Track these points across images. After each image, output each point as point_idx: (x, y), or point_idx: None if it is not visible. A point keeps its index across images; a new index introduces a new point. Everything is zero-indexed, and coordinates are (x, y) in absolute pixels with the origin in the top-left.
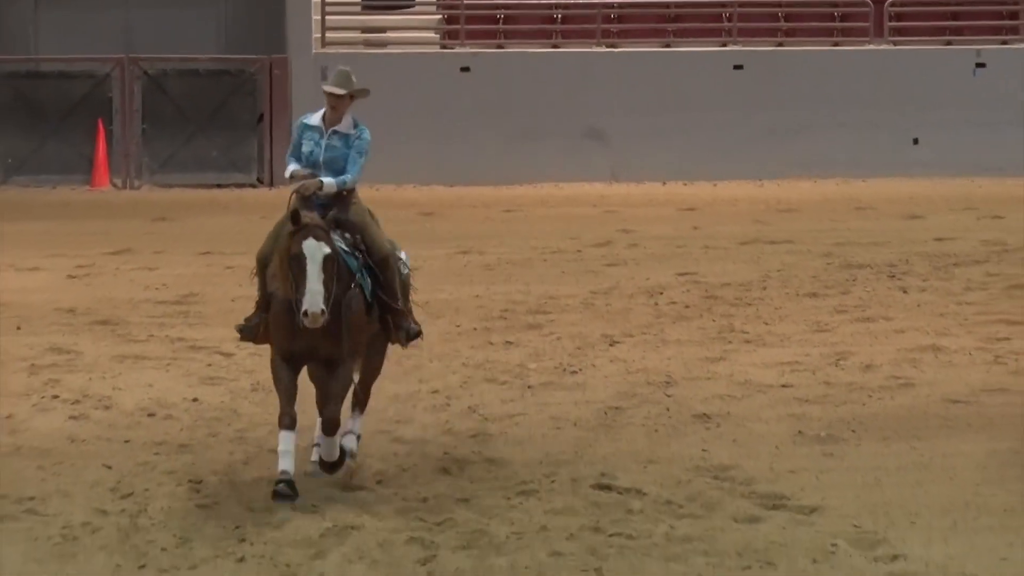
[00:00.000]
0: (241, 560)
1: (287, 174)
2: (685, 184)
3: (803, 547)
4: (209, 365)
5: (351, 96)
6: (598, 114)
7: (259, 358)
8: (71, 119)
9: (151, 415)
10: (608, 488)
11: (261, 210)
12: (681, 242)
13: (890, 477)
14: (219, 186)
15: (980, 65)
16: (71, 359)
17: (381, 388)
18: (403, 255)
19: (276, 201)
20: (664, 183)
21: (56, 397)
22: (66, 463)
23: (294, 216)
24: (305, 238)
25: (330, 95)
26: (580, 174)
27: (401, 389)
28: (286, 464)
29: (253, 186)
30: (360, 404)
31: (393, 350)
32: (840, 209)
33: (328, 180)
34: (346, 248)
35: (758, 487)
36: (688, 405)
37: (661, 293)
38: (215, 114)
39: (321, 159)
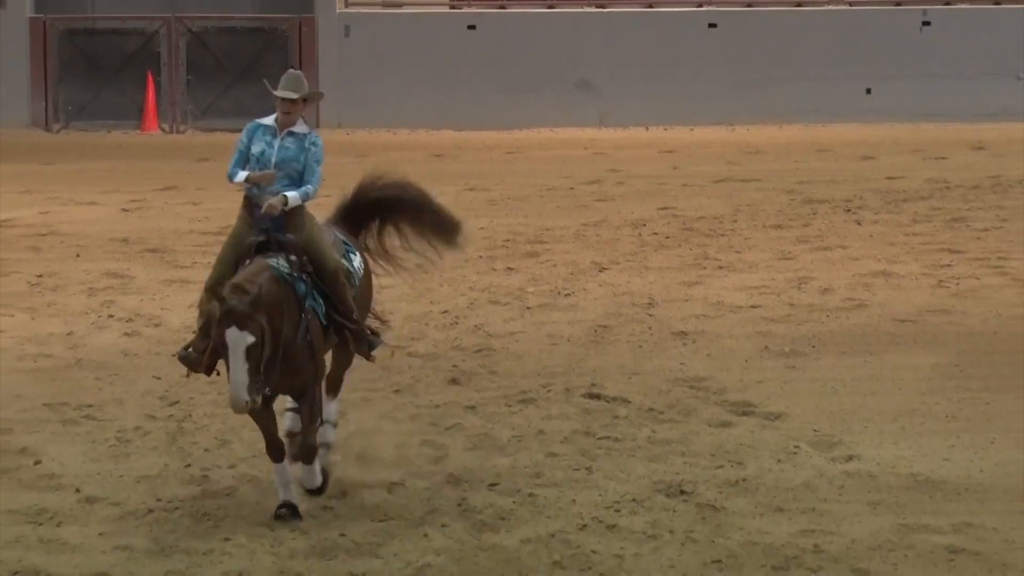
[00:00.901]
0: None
1: (239, 179)
2: (665, 129)
3: (769, 448)
4: None
5: (304, 100)
6: (588, 67)
7: None
8: (124, 71)
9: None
10: (597, 397)
11: None
12: (662, 180)
13: (846, 387)
14: None
15: (926, 23)
16: (124, 283)
17: (397, 309)
18: (356, 262)
19: None
20: (647, 128)
21: (111, 316)
22: (120, 375)
23: (217, 295)
24: (228, 326)
25: (282, 100)
26: (572, 120)
27: (414, 310)
28: (286, 495)
29: None
30: (334, 390)
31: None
32: (802, 151)
33: (291, 194)
34: (293, 273)
35: (729, 396)
36: (668, 324)
37: (644, 225)
38: (250, 66)
39: (274, 160)
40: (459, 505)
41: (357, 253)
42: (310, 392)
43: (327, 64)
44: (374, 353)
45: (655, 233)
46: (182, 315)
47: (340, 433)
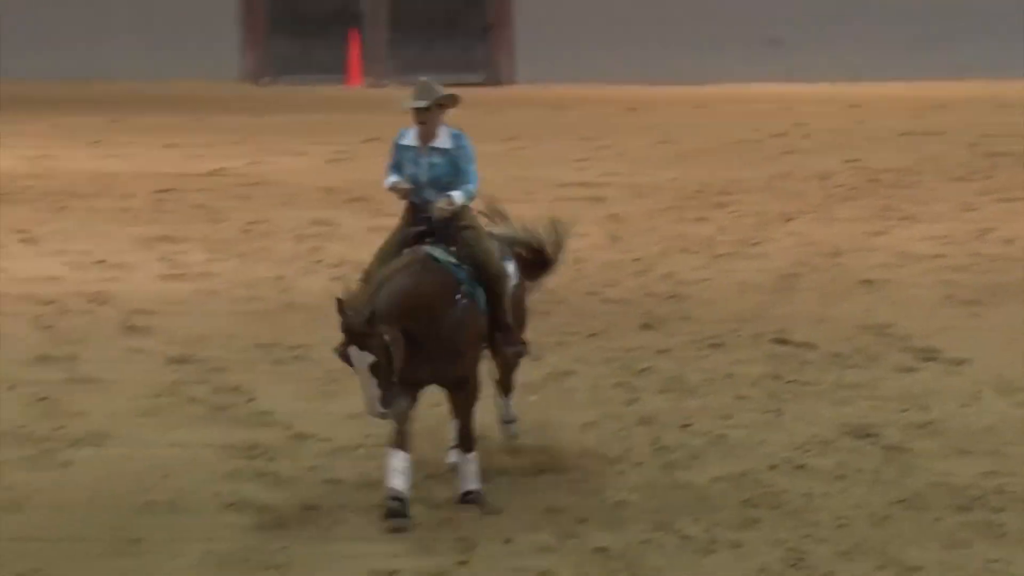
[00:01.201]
0: None
1: (387, 185)
2: (850, 84)
3: (953, 393)
4: None
5: (439, 106)
6: (778, 24)
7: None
8: (329, 27)
9: None
10: (785, 342)
11: (487, 106)
12: (847, 134)
13: None
14: (453, 85)
15: None
16: (331, 230)
17: (592, 257)
18: (510, 269)
19: (500, 98)
20: (833, 83)
21: (319, 262)
22: (328, 317)
23: (339, 310)
24: (349, 344)
25: (416, 111)
26: (761, 75)
27: (608, 257)
28: (398, 482)
29: (481, 85)
30: (505, 390)
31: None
32: (984, 106)
33: (456, 194)
34: (453, 261)
35: (914, 342)
36: (854, 272)
37: (830, 177)
38: (450, 23)
39: (424, 179)
40: (652, 444)
41: (512, 261)
42: (469, 380)
43: (524, 20)
44: (515, 355)
45: (840, 185)
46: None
47: (539, 373)
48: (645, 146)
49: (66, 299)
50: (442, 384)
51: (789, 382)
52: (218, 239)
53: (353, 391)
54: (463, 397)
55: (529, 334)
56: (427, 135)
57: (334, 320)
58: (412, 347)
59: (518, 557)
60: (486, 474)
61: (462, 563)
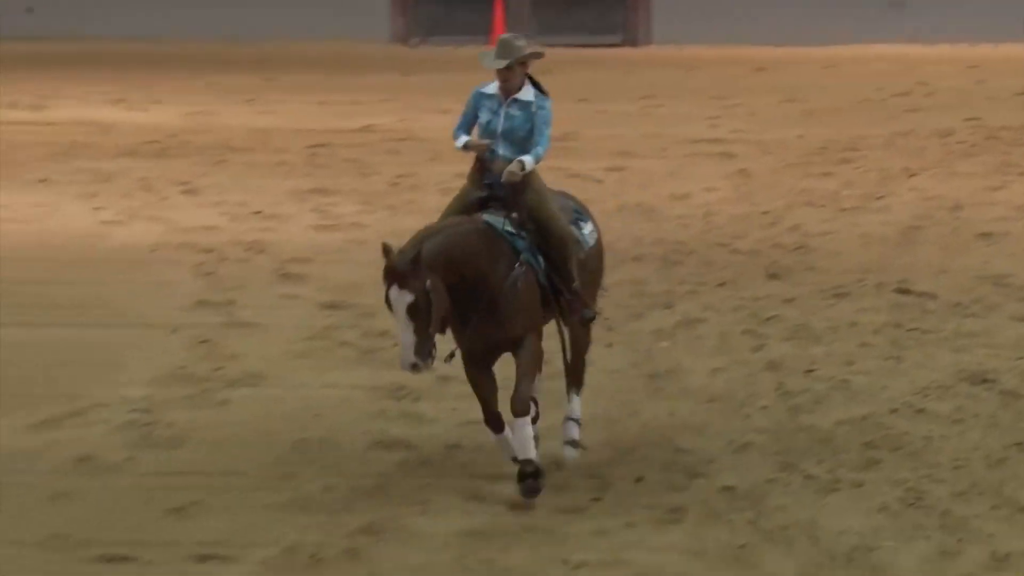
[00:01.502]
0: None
1: (459, 145)
2: (971, 46)
3: None
4: (583, 189)
5: (521, 64)
6: None
7: (623, 184)
8: None
9: None
10: (907, 292)
11: (624, 66)
12: (967, 93)
13: None
14: (592, 46)
15: None
16: None
17: (722, 210)
18: (586, 230)
19: (637, 58)
20: (952, 45)
21: None
22: None
23: (384, 250)
24: (389, 285)
25: (498, 71)
26: (884, 37)
27: (737, 210)
28: (527, 452)
29: (619, 46)
30: (575, 383)
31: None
32: None
33: (527, 158)
34: (511, 229)
35: None
36: (973, 225)
37: (951, 134)
38: None
39: (500, 129)
40: (777, 389)
41: (589, 221)
42: (527, 343)
43: None
44: (583, 321)
45: (961, 142)
46: None
47: (669, 321)
48: (773, 105)
49: (225, 248)
50: (502, 349)
51: (910, 330)
52: (368, 191)
53: None
54: (521, 358)
55: (660, 284)
56: (509, 91)
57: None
58: (463, 313)
59: (649, 495)
60: (622, 417)
61: (596, 500)
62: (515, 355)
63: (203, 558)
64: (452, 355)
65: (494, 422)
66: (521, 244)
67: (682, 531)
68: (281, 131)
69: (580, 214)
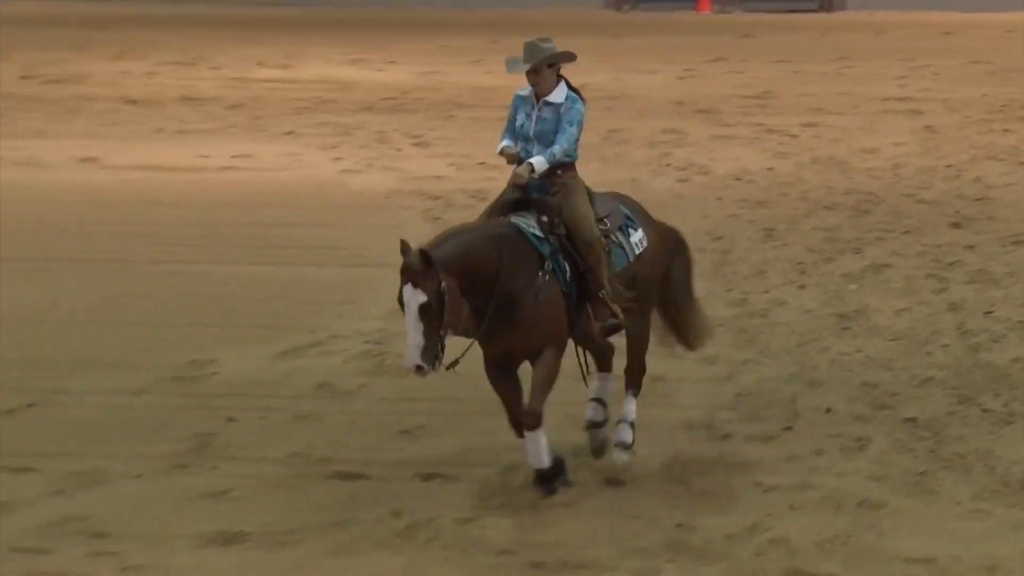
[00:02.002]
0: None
1: (497, 150)
2: None
3: None
4: (780, 143)
5: (550, 66)
6: None
7: (818, 139)
8: None
9: (737, 179)
10: None
11: (820, 30)
12: None
13: None
14: (790, 11)
15: None
16: (679, 138)
17: (908, 163)
18: (635, 238)
19: (831, 23)
20: None
21: (668, 165)
22: (675, 214)
23: (402, 248)
24: (404, 283)
25: (528, 73)
26: None
27: (923, 163)
28: (540, 462)
29: (815, 12)
30: (633, 384)
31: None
32: None
33: (537, 160)
34: (538, 233)
35: None
36: None
37: None
38: None
39: (532, 132)
40: (958, 328)
41: (640, 230)
42: (545, 355)
43: None
44: (609, 336)
45: None
46: (726, 165)
47: (858, 265)
48: (958, 66)
49: (451, 195)
50: (522, 356)
51: None
52: (582, 145)
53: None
54: (536, 370)
55: (850, 231)
56: (541, 93)
57: (678, 218)
58: (482, 316)
59: (837, 425)
60: (812, 353)
61: (787, 429)
62: (533, 365)
63: (428, 476)
64: (455, 363)
65: (517, 425)
66: (547, 249)
67: (867, 458)
68: (504, 89)
69: (631, 220)
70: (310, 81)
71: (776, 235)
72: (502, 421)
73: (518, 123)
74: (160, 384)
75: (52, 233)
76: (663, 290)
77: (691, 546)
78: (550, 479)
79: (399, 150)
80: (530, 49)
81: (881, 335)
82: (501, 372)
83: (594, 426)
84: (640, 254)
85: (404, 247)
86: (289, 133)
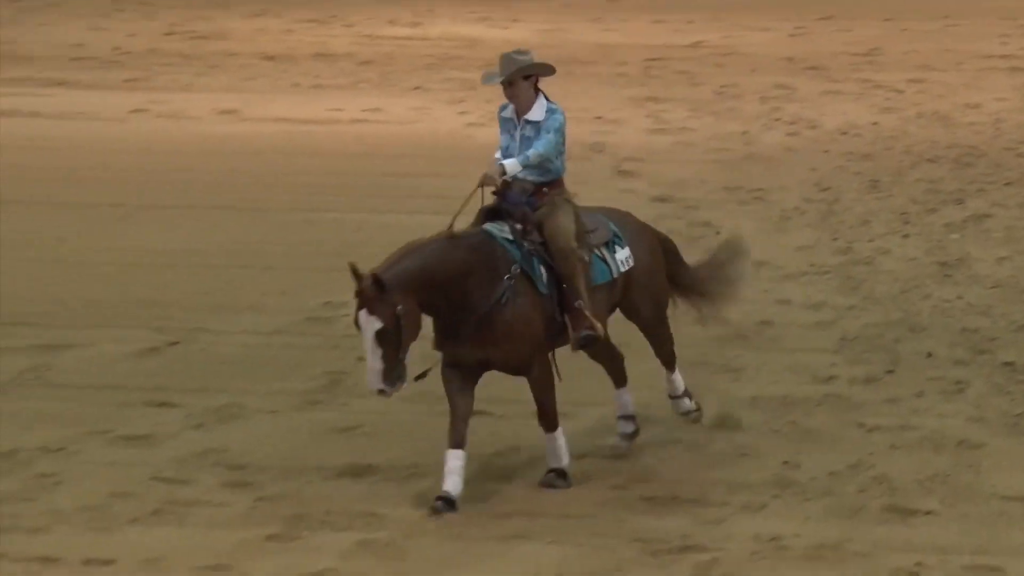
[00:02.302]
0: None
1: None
2: None
3: None
4: (886, 99)
5: (526, 79)
6: None
7: (923, 94)
8: None
9: (844, 133)
10: None
11: None
12: None
13: None
14: None
15: None
16: (789, 93)
17: (1010, 117)
18: (619, 255)
19: None
20: None
21: (778, 120)
22: (783, 166)
23: (353, 273)
24: (360, 308)
25: (503, 85)
26: None
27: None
28: (448, 484)
29: None
30: (668, 364)
31: None
32: None
33: (510, 162)
34: (510, 237)
35: None
36: None
37: None
38: None
39: (517, 152)
40: None
41: (627, 248)
42: (531, 366)
43: None
44: (580, 341)
45: None
46: (834, 119)
47: (960, 216)
48: None
49: (569, 148)
50: (497, 369)
51: None
52: (695, 100)
53: (802, 227)
54: (530, 381)
55: (952, 182)
56: (521, 110)
57: (787, 170)
58: (447, 325)
59: (937, 368)
60: (915, 299)
61: (889, 372)
62: (520, 374)
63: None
64: (424, 375)
65: (456, 437)
66: (518, 253)
67: (965, 400)
68: (621, 46)
69: (619, 238)
70: (438, 38)
71: (881, 187)
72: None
73: (503, 143)
74: (295, 325)
75: (196, 181)
76: (677, 282)
77: (796, 482)
78: (564, 475)
79: None
80: (505, 61)
81: (981, 283)
82: (459, 381)
83: (628, 438)
84: (628, 271)
85: (354, 271)
86: (417, 88)
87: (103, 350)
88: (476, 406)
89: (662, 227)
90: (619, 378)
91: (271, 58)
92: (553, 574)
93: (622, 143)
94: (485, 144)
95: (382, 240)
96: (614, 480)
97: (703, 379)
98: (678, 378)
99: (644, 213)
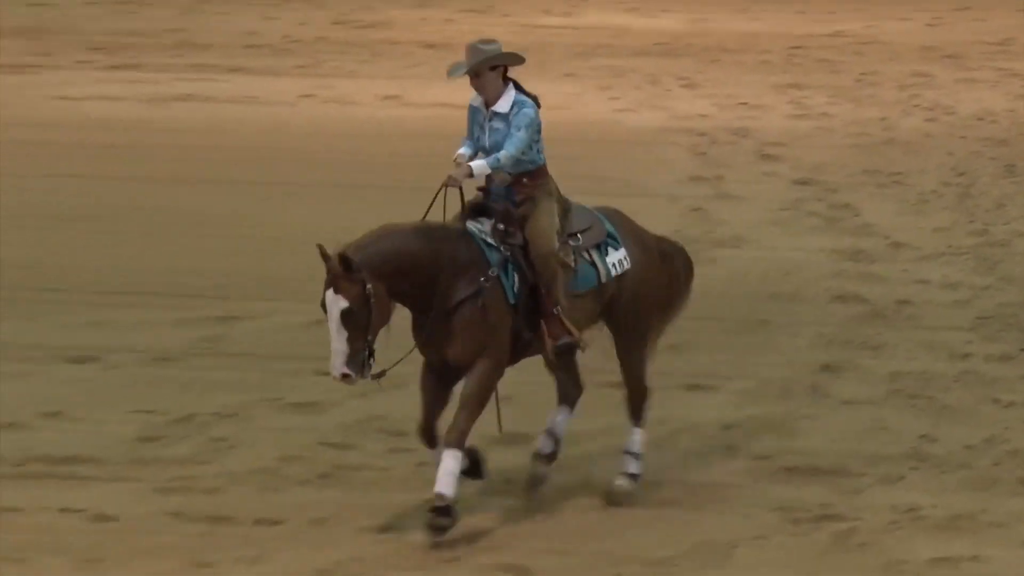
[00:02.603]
0: None
1: (454, 157)
2: None
3: None
4: (1022, 86)
5: (492, 69)
6: None
7: None
8: None
9: (980, 119)
10: None
11: None
12: None
13: None
14: None
15: None
16: (926, 80)
17: None
18: (612, 258)
19: None
20: None
21: (916, 106)
22: (921, 150)
23: (321, 253)
24: (327, 287)
25: (471, 81)
26: None
27: None
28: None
29: None
30: (634, 414)
31: None
32: None
33: (477, 163)
34: (490, 240)
35: None
36: None
37: None
38: None
39: (487, 144)
40: None
41: (622, 249)
42: (477, 370)
43: None
44: (557, 349)
45: None
46: (970, 106)
47: None
48: None
49: (715, 132)
50: (455, 364)
51: None
52: (836, 86)
53: (939, 209)
54: (465, 386)
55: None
56: (489, 101)
57: (925, 155)
58: (419, 321)
59: None
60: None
61: (1023, 350)
62: (466, 374)
63: (691, 387)
64: (383, 374)
65: (426, 435)
66: (496, 257)
67: None
68: (766, 35)
69: (614, 240)
70: (590, 27)
71: (1016, 171)
72: (757, 337)
73: (474, 135)
74: None
75: (359, 163)
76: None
77: (933, 455)
78: (445, 512)
79: (668, 91)
80: (470, 52)
81: None
82: (432, 377)
83: (539, 458)
84: (622, 275)
85: (322, 252)
86: (569, 75)
87: (274, 321)
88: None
89: (802, 210)
90: (568, 400)
91: (432, 46)
92: (699, 540)
93: (765, 128)
94: (634, 128)
95: None
96: (757, 450)
97: (844, 355)
98: (638, 439)
99: (786, 196)
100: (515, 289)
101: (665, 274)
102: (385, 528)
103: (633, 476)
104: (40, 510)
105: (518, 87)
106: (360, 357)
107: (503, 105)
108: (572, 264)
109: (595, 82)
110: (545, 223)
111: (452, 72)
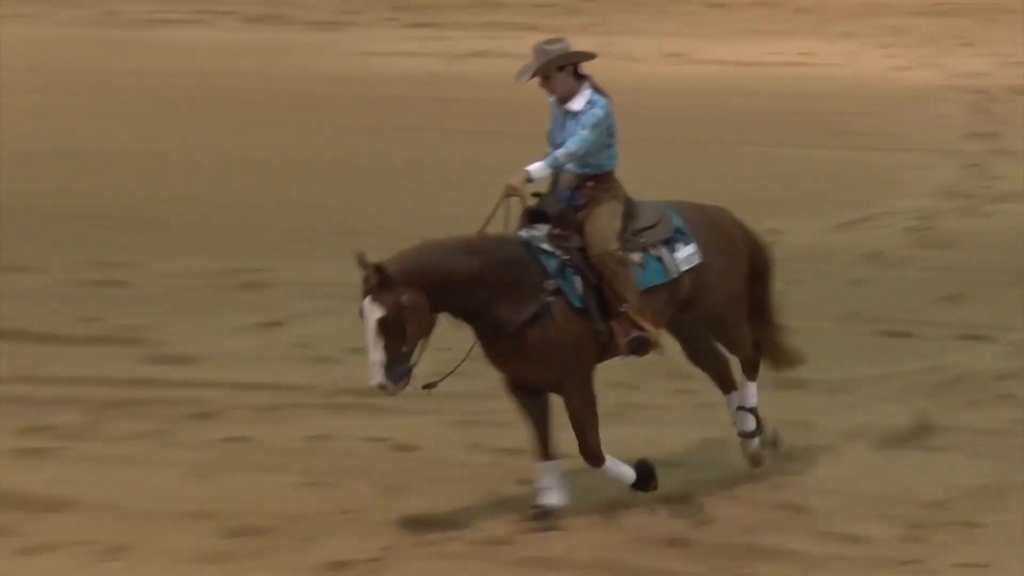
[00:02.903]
0: None
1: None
2: None
3: None
4: None
5: (560, 69)
6: None
7: None
8: None
9: None
10: None
11: None
12: None
13: None
14: None
15: None
16: None
17: None
18: (680, 253)
19: None
20: None
21: None
22: None
23: (360, 261)
24: (364, 295)
25: (541, 83)
26: None
27: None
28: (546, 497)
29: None
30: (746, 369)
31: None
32: None
33: (535, 166)
34: (547, 247)
35: None
36: None
37: None
38: None
39: (561, 142)
40: None
41: (692, 244)
42: (568, 390)
43: None
44: (635, 352)
45: None
46: None
47: None
48: None
49: (994, 90)
50: (537, 385)
51: None
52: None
53: None
54: (567, 410)
55: None
56: (560, 99)
57: None
58: (481, 338)
59: None
60: None
61: None
62: (557, 393)
63: (966, 337)
64: (432, 385)
65: (541, 450)
66: (552, 264)
67: None
68: None
69: (683, 233)
70: None
71: None
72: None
73: (549, 128)
74: None
75: (641, 116)
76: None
77: None
78: (645, 482)
79: (945, 49)
80: (536, 53)
81: None
82: (521, 393)
83: (746, 436)
84: (694, 269)
85: (361, 259)
86: (848, 34)
87: None
88: (901, 327)
89: None
90: (725, 385)
91: (716, 6)
92: (973, 484)
93: None
94: (910, 87)
95: (810, 172)
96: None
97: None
98: (752, 391)
99: None
100: (579, 293)
101: (744, 264)
102: (666, 464)
103: (755, 433)
104: (347, 438)
105: (593, 85)
106: (398, 368)
107: (577, 103)
108: (636, 261)
109: (873, 41)
110: (603, 223)
111: (520, 77)
